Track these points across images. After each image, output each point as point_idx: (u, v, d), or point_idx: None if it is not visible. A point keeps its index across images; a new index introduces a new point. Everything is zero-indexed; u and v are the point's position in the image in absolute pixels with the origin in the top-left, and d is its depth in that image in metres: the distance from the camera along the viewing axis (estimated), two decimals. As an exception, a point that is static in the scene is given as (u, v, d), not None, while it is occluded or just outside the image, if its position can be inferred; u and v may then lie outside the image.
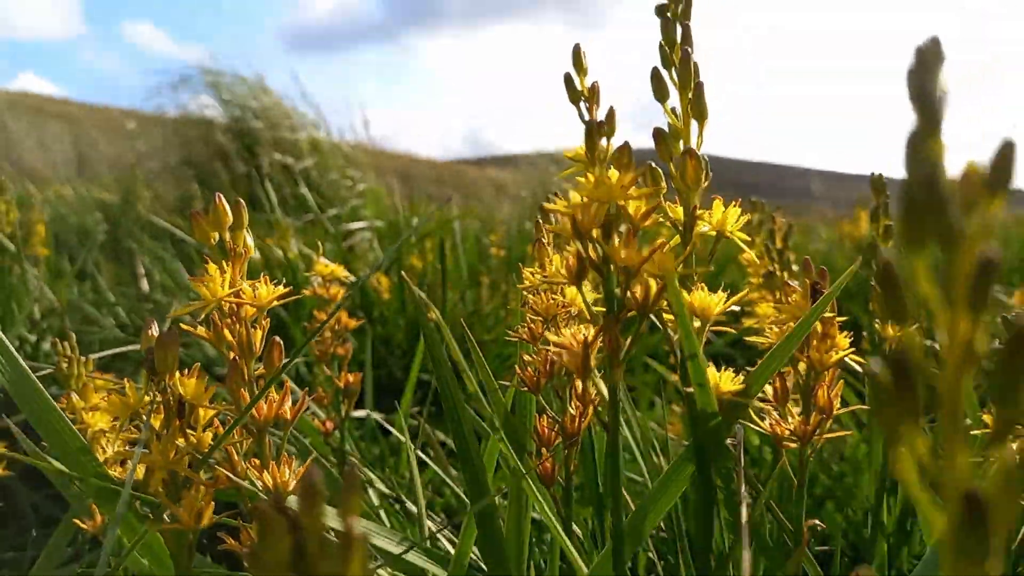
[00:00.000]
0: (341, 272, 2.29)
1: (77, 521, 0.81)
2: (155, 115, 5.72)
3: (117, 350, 1.60)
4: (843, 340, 0.51)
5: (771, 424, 0.53)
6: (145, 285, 2.75)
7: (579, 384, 0.57)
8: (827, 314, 0.52)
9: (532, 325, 0.57)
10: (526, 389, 0.58)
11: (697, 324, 0.45)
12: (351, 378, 0.99)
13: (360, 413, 1.82)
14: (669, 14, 0.49)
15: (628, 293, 0.42)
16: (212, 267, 0.46)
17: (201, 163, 4.66)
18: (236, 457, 0.47)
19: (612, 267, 0.41)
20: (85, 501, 0.86)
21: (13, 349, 0.52)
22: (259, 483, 0.45)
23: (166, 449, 0.43)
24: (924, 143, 0.23)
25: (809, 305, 0.50)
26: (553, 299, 0.56)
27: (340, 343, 1.03)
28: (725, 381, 0.46)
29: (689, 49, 0.48)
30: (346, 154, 5.05)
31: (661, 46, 0.49)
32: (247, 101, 4.78)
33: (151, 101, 5.40)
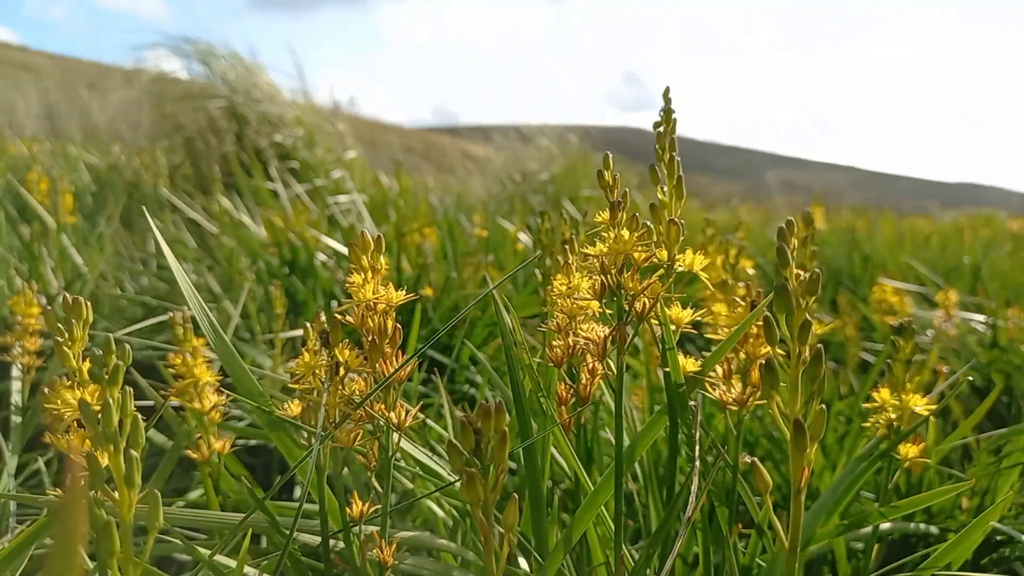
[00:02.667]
0: (340, 247, 2.51)
1: (189, 452, 1.06)
2: (129, 71, 5.76)
3: (157, 320, 1.81)
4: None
5: (720, 393, 0.80)
6: (152, 249, 2.92)
7: (590, 362, 0.82)
8: (759, 321, 0.78)
9: (559, 320, 0.82)
10: (551, 364, 0.84)
11: (673, 327, 0.71)
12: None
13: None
14: (661, 130, 0.75)
15: (631, 307, 0.67)
16: (357, 277, 0.71)
17: (188, 131, 4.78)
18: (374, 403, 0.72)
19: (623, 291, 0.66)
20: (192, 436, 1.10)
21: (220, 328, 0.76)
22: (390, 417, 0.70)
23: (333, 394, 0.68)
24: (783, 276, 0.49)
25: (748, 311, 0.76)
26: (575, 303, 0.81)
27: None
28: (689, 364, 0.72)
29: (674, 153, 0.74)
30: (331, 125, 5.20)
31: (656, 149, 0.74)
32: (231, 72, 4.90)
33: (124, 57, 5.46)
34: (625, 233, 0.66)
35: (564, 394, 0.86)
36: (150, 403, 1.39)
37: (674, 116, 0.77)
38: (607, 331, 0.70)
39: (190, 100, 4.88)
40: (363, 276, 0.70)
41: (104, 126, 5.61)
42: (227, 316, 2.07)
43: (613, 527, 0.77)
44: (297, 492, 1.64)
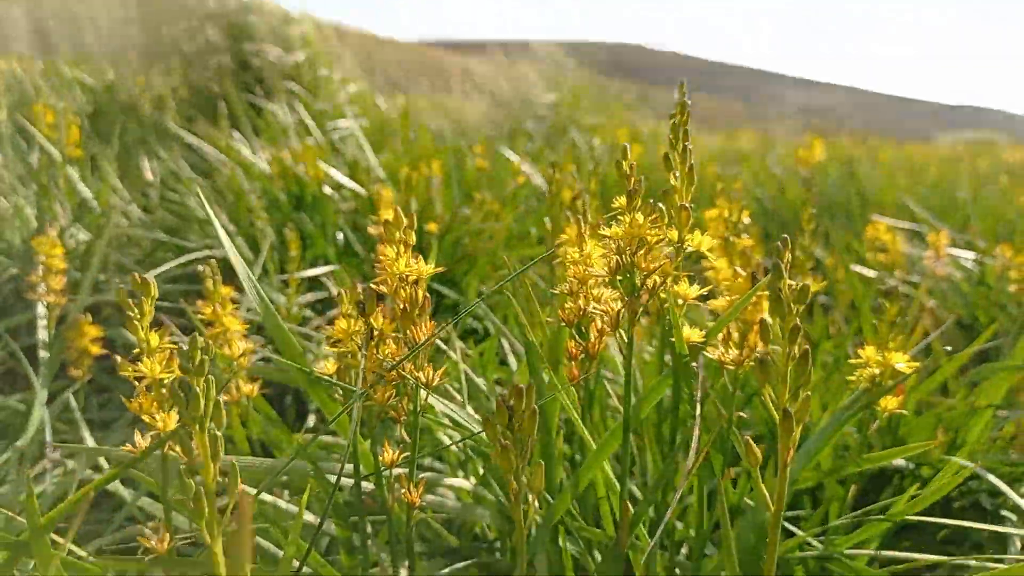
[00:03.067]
0: (350, 183, 2.55)
1: (224, 397, 1.13)
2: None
3: (180, 260, 1.86)
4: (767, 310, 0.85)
5: (719, 355, 0.87)
6: (149, 176, 2.91)
7: (599, 323, 0.89)
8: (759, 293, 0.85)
9: (572, 285, 0.89)
10: (564, 324, 0.91)
11: (680, 301, 0.78)
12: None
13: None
14: (675, 121, 0.80)
15: (644, 283, 0.74)
16: (388, 249, 0.77)
17: (185, 52, 4.71)
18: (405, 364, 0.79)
19: (636, 269, 0.73)
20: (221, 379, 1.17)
21: (266, 296, 0.83)
22: (420, 376, 0.77)
23: (371, 356, 0.75)
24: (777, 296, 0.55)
25: (750, 286, 0.83)
26: (586, 270, 0.87)
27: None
28: (694, 334, 0.79)
29: (687, 144, 0.79)
30: (331, 44, 5.12)
31: (670, 138, 0.79)
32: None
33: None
34: (640, 217, 0.72)
35: (574, 350, 0.93)
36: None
37: (688, 111, 0.82)
38: (620, 304, 0.76)
39: (185, 16, 4.79)
40: (396, 249, 0.76)
41: (97, 45, 5.50)
42: (244, 256, 2.12)
43: (620, 475, 0.85)
44: (311, 420, 1.74)
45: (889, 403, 1.01)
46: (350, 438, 0.75)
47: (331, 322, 2.10)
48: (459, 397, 1.20)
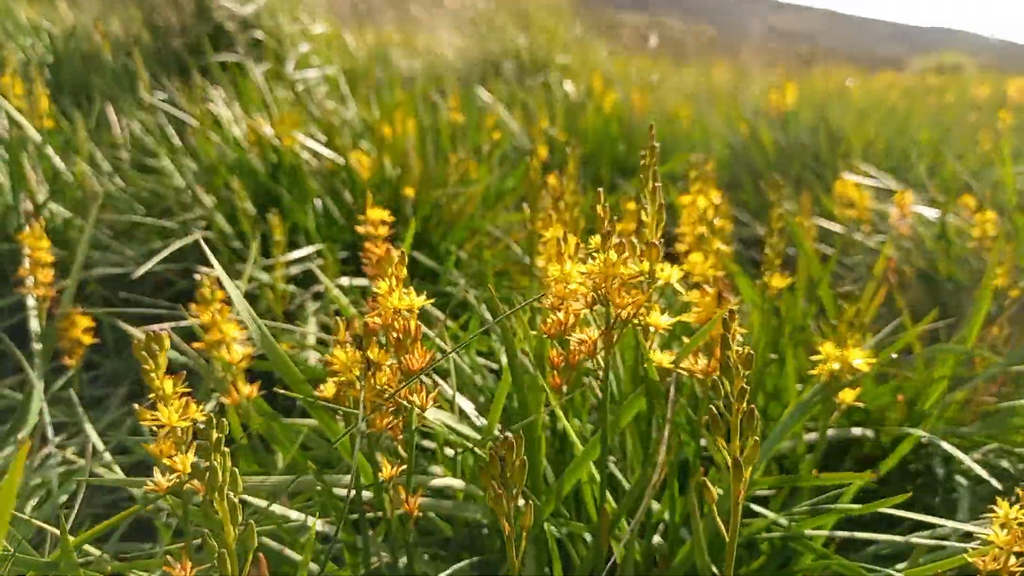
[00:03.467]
0: (326, 151, 2.56)
1: (223, 399, 1.19)
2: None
3: (166, 252, 1.87)
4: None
5: (689, 364, 0.94)
6: (118, 132, 2.85)
7: (578, 335, 0.95)
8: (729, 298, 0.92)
9: (552, 300, 0.95)
10: (546, 336, 0.97)
11: (652, 330, 0.84)
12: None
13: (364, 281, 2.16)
14: (644, 163, 0.84)
15: (618, 313, 0.80)
16: (384, 285, 0.82)
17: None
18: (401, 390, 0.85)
19: (610, 304, 0.79)
20: (223, 383, 1.23)
21: (261, 323, 0.88)
22: (413, 401, 0.83)
23: (369, 385, 0.81)
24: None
25: (715, 307, 0.89)
26: (565, 286, 0.93)
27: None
28: (664, 359, 0.86)
29: (656, 184, 0.84)
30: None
31: (643, 175, 0.84)
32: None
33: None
34: (613, 255, 0.77)
35: (556, 359, 1.00)
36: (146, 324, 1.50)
37: (655, 154, 0.87)
38: (596, 335, 0.83)
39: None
40: (389, 285, 0.81)
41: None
42: (220, 231, 2.14)
43: (601, 478, 0.93)
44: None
45: (847, 396, 1.10)
46: (353, 461, 0.81)
47: (316, 297, 2.13)
48: (448, 388, 1.26)
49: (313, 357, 1.79)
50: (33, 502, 1.49)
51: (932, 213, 2.83)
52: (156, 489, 0.75)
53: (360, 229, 1.27)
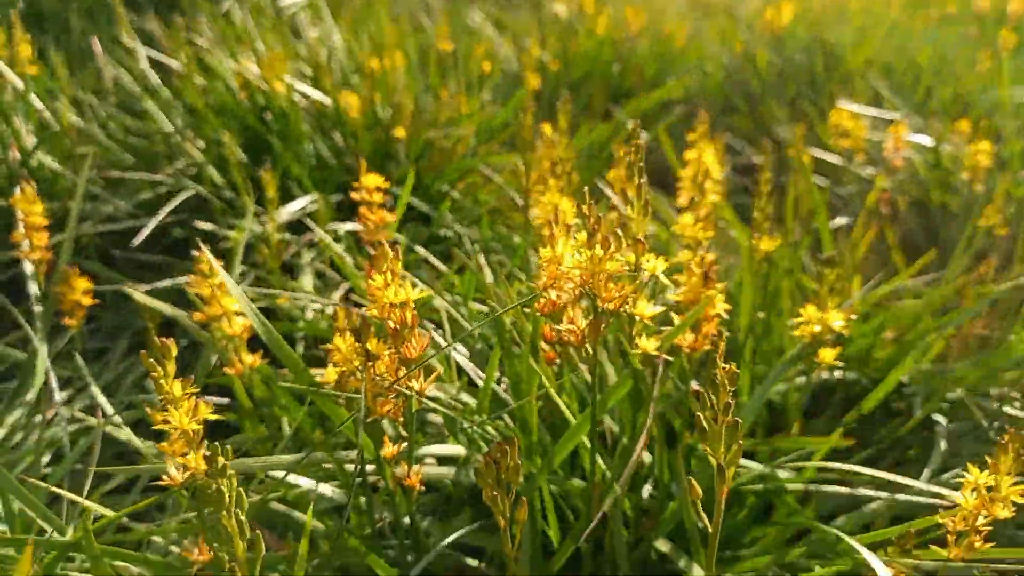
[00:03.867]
0: (316, 94, 2.52)
1: (227, 370, 1.22)
2: None
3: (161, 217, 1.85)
4: (720, 307, 0.94)
5: (678, 340, 0.97)
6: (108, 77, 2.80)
7: (571, 314, 0.98)
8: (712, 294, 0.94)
9: (545, 281, 0.97)
10: (540, 314, 1.00)
11: (638, 318, 0.87)
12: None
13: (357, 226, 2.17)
14: (632, 157, 0.84)
15: (604, 306, 0.82)
16: (379, 279, 0.84)
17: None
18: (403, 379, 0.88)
19: (597, 297, 0.81)
20: (224, 352, 1.26)
21: (268, 324, 0.90)
22: (412, 386, 0.87)
23: (368, 375, 0.84)
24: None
25: (702, 286, 0.92)
26: (558, 269, 0.95)
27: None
28: (650, 345, 0.89)
29: (642, 180, 0.84)
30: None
31: (627, 173, 0.84)
32: None
33: None
34: (599, 251, 0.79)
35: (549, 334, 1.03)
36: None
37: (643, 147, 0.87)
38: (585, 325, 0.85)
39: None
40: (384, 279, 0.83)
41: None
42: (211, 181, 2.13)
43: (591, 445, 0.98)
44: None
45: (827, 356, 1.13)
46: (358, 440, 0.85)
47: (312, 245, 2.14)
48: (444, 341, 1.28)
49: (312, 309, 1.82)
50: (46, 459, 1.54)
51: (928, 140, 2.82)
52: (171, 484, 0.79)
53: (355, 196, 1.27)
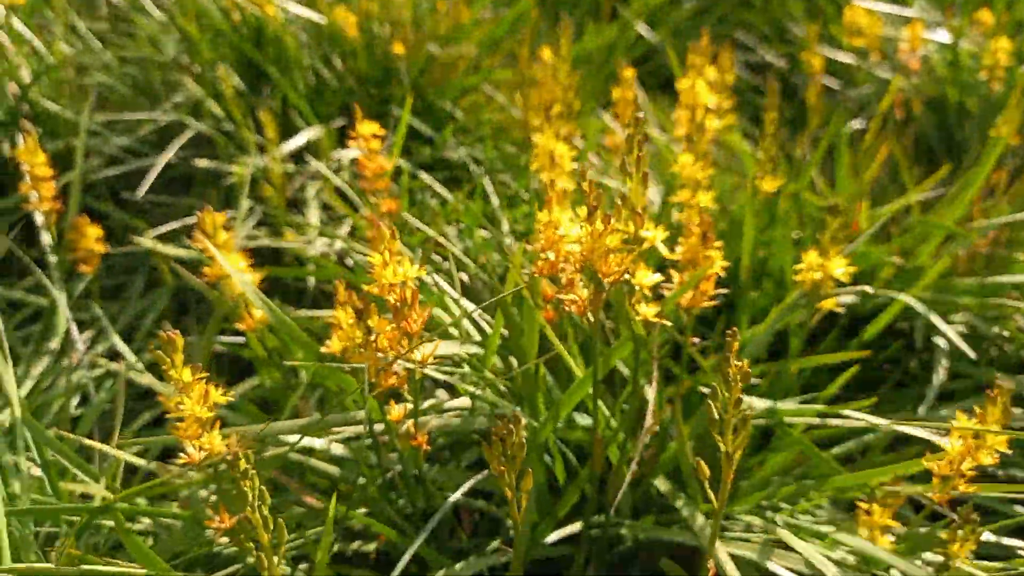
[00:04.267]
0: (310, 13, 2.46)
1: (238, 325, 1.26)
2: None
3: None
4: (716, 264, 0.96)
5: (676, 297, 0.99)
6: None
7: (569, 271, 0.99)
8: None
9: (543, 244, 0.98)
10: (538, 275, 1.01)
11: (638, 288, 0.88)
12: (392, 204, 1.37)
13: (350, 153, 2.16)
14: (631, 131, 0.83)
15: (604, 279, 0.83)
16: (378, 258, 0.85)
17: None
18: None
19: (598, 272, 0.82)
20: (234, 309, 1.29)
21: (273, 304, 0.92)
22: (413, 358, 0.90)
23: (370, 351, 0.87)
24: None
25: (701, 246, 0.93)
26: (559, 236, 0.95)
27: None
28: (649, 312, 0.90)
29: (642, 153, 0.83)
30: None
31: (627, 145, 0.83)
32: None
33: None
34: (600, 225, 0.80)
35: (549, 293, 1.05)
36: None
37: (643, 119, 0.85)
38: (587, 295, 0.87)
39: None
40: (383, 258, 0.85)
41: None
42: (211, 115, 2.10)
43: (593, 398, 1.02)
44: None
45: (828, 304, 1.15)
46: (366, 415, 0.89)
47: (314, 177, 2.14)
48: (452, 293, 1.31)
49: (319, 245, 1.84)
50: (75, 402, 1.61)
51: (946, 37, 2.71)
52: (190, 461, 0.84)
53: (351, 144, 1.27)
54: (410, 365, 0.89)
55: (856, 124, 2.71)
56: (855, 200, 1.65)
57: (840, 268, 1.12)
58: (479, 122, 2.41)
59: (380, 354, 0.88)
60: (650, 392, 0.95)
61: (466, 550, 1.10)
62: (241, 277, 0.98)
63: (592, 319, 0.87)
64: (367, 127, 1.28)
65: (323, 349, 0.96)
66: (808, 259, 1.12)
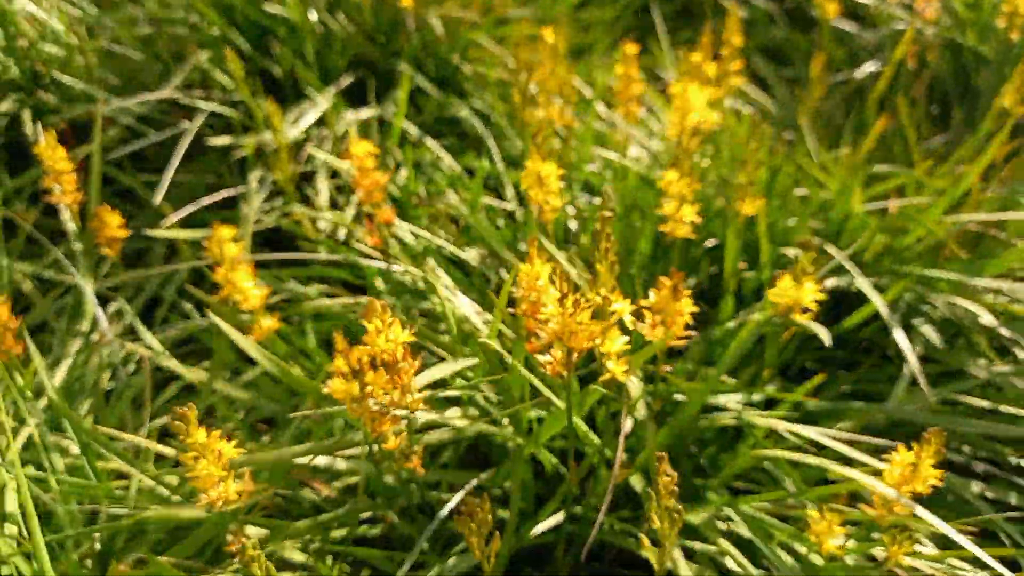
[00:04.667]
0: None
1: (248, 337, 1.36)
2: None
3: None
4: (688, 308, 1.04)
5: (643, 328, 1.08)
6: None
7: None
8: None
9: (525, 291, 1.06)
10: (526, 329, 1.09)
11: (605, 352, 0.97)
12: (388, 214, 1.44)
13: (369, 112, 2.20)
14: (599, 227, 0.89)
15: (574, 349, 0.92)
16: (373, 325, 0.94)
17: None
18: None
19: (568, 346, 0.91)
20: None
21: (275, 358, 1.02)
22: (404, 403, 1.00)
23: (364, 405, 0.98)
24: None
25: (672, 300, 1.01)
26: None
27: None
28: (619, 370, 1.00)
29: (608, 245, 0.90)
30: None
31: (594, 240, 0.90)
32: None
33: None
34: (569, 306, 0.88)
35: (533, 326, 1.14)
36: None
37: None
38: (563, 356, 0.95)
39: None
40: (376, 327, 0.94)
41: None
42: (220, 86, 2.14)
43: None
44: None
45: (801, 319, 1.22)
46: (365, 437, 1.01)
47: (321, 143, 2.18)
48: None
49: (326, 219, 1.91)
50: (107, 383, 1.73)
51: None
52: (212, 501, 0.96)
53: (348, 156, 1.33)
54: (402, 412, 1.00)
55: (870, 68, 2.68)
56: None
57: (811, 296, 1.19)
58: (485, 82, 2.41)
59: (375, 404, 0.98)
60: (626, 424, 1.05)
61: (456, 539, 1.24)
62: (244, 341, 1.08)
63: (565, 376, 0.96)
64: (361, 147, 1.34)
65: (324, 391, 1.07)
66: (782, 284, 1.19)
